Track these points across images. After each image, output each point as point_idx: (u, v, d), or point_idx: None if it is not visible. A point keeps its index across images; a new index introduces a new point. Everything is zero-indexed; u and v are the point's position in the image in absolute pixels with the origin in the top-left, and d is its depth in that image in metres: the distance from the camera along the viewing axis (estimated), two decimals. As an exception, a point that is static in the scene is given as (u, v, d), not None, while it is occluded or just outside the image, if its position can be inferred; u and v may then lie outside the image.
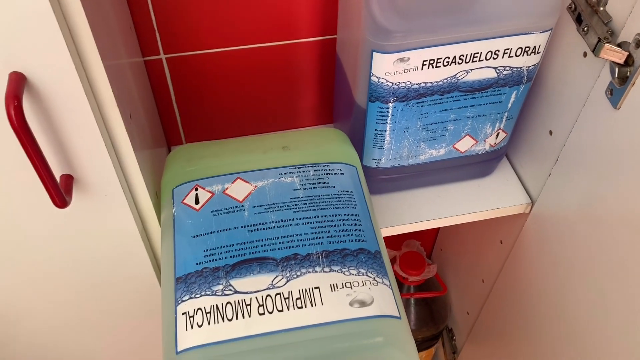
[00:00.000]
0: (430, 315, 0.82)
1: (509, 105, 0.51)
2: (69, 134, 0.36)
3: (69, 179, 0.38)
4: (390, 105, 0.47)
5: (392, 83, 0.46)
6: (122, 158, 0.40)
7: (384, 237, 0.58)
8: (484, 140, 0.54)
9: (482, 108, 0.50)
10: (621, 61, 0.40)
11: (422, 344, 0.86)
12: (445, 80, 0.47)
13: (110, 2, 0.40)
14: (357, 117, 0.50)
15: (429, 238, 0.89)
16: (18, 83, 0.31)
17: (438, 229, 0.87)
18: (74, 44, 0.33)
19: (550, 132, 0.52)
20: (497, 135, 0.54)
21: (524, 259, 0.62)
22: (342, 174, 0.47)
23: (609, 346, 0.48)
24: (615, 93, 0.42)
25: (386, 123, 0.49)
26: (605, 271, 0.47)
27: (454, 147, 0.54)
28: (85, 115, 0.35)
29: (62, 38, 0.31)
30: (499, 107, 0.50)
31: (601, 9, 0.43)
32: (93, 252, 0.45)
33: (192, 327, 0.36)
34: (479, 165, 0.57)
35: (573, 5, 0.45)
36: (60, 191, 0.35)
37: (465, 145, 0.53)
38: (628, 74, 0.40)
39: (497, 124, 0.52)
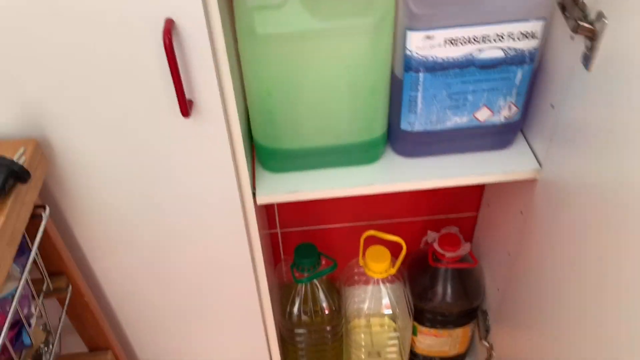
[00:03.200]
0: (463, 290, 0.93)
1: (517, 82, 0.64)
2: (194, 68, 0.54)
3: (190, 103, 0.56)
4: (420, 74, 0.63)
5: (422, 56, 0.61)
6: (225, 91, 0.57)
7: (416, 191, 0.72)
8: (499, 112, 0.67)
9: (495, 83, 0.64)
10: (591, 35, 0.54)
11: (458, 320, 0.96)
12: (463, 57, 0.62)
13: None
14: (395, 86, 0.66)
15: (468, 227, 1.01)
16: (170, 25, 0.50)
17: (476, 218, 0.99)
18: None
19: (552, 106, 0.65)
20: (510, 108, 0.67)
21: (537, 226, 0.73)
22: None
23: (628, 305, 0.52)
24: (587, 59, 0.55)
25: (418, 90, 0.64)
26: (606, 234, 0.54)
27: (474, 116, 0.68)
28: (207, 56, 0.53)
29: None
30: (509, 83, 0.65)
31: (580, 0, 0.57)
32: (191, 165, 0.62)
33: None
34: (497, 137, 0.71)
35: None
36: (186, 103, 0.54)
37: (483, 114, 0.67)
38: (594, 41, 0.54)
39: (509, 98, 0.66)
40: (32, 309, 0.57)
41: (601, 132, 0.55)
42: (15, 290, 0.51)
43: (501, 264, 0.87)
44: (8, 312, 0.49)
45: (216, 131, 0.59)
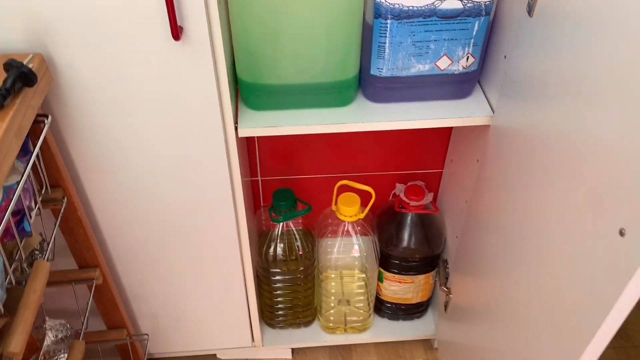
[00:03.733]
0: (426, 238, 1.01)
1: (474, 32, 0.72)
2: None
3: (180, 28, 0.63)
4: (388, 21, 0.71)
5: (390, 4, 0.69)
6: (212, 21, 0.65)
7: (383, 131, 0.79)
8: (458, 62, 0.75)
9: (454, 33, 0.72)
10: (534, -14, 0.62)
11: (421, 267, 1.04)
12: (426, 6, 0.70)
13: None
14: (366, 33, 0.74)
15: (434, 182, 1.09)
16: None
17: (441, 174, 1.07)
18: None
19: (505, 57, 0.73)
20: (468, 59, 0.75)
21: (489, 171, 0.81)
22: None
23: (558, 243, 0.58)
24: (530, 6, 0.63)
25: (386, 37, 0.72)
26: (544, 177, 0.60)
27: (436, 65, 0.75)
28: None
29: None
30: (467, 33, 0.72)
31: (528, -42, 0.65)
32: (180, 90, 0.69)
33: None
34: (456, 85, 0.79)
35: (514, -40, 0.67)
36: (177, 27, 0.61)
37: (443, 63, 0.75)
38: (537, -8, 0.62)
39: (467, 48, 0.74)
40: (32, 204, 0.64)
41: (539, 79, 0.63)
42: (19, 183, 0.58)
43: (460, 212, 0.95)
44: (12, 199, 0.57)
45: (203, 57, 0.66)
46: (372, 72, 0.77)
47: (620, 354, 1.20)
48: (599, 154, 0.49)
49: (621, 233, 0.43)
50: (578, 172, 0.53)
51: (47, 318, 0.84)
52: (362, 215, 0.98)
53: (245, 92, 0.78)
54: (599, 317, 0.48)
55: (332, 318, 1.14)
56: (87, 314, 0.83)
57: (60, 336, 0.85)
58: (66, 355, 0.79)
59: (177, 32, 0.61)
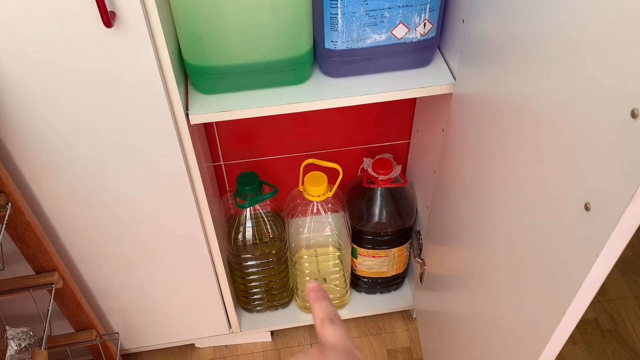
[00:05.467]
0: (397, 211, 0.99)
1: (429, -3, 0.69)
2: (114, -21, 0.56)
3: (112, 14, 0.58)
4: (338, -9, 0.67)
5: (338, -28, 0.65)
6: (148, 5, 0.60)
7: (342, 108, 0.76)
8: (415, 29, 0.72)
9: (409, -1, 0.69)
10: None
11: (394, 240, 1.03)
12: (377, -28, 0.66)
13: None
14: (317, 5, 0.69)
15: (402, 154, 1.06)
16: None
17: (409, 145, 1.05)
18: None
19: (463, 21, 0.70)
20: (425, 25, 0.72)
21: (453, 139, 0.78)
22: None
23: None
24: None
25: (337, 7, 0.68)
26: (504, 143, 0.59)
27: (392, 34, 0.72)
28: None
29: None
30: (422, -1, 0.69)
31: None
32: (121, 80, 0.65)
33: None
34: (415, 54, 0.75)
35: None
36: (108, 14, 0.56)
37: (400, 32, 0.72)
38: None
39: (423, 15, 0.70)
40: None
41: (497, 42, 0.60)
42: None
43: (429, 183, 0.93)
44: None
45: (141, 43, 0.61)
46: (326, 46, 0.73)
47: (597, 307, 1.21)
48: (559, 122, 0.46)
49: (586, 208, 0.40)
50: (539, 141, 0.51)
51: (7, 327, 0.81)
52: (330, 194, 0.95)
53: (193, 76, 0.74)
54: (572, 289, 0.47)
55: (308, 298, 1.12)
56: (48, 320, 0.79)
57: (23, 345, 0.81)
58: (31, 364, 0.76)
59: (108, 19, 0.56)
